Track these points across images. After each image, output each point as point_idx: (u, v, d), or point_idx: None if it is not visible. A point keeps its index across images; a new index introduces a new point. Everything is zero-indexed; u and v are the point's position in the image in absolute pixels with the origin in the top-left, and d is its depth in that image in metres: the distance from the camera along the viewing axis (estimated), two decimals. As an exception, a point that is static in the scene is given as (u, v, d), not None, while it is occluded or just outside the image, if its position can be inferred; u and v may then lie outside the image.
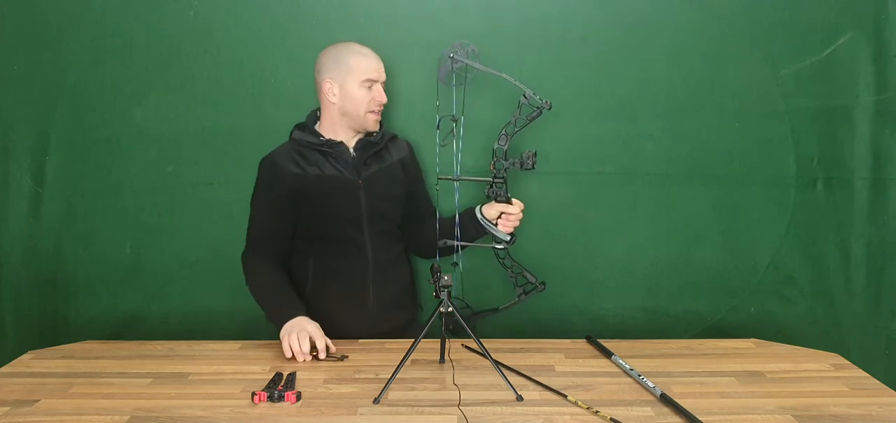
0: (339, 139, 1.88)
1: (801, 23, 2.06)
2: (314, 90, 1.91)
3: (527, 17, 2.06)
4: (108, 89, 2.06)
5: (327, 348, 1.70)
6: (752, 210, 2.13)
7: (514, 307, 1.87)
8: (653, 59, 2.08)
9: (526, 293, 1.81)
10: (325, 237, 1.86)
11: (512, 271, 1.81)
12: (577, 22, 2.06)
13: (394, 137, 1.98)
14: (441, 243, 1.71)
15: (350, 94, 1.84)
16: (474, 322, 1.55)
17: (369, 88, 1.84)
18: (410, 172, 1.98)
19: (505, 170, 1.72)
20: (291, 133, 1.92)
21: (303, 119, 1.95)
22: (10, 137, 2.07)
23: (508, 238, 1.82)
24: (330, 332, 1.82)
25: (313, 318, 1.88)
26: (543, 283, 1.79)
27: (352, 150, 1.89)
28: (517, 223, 1.84)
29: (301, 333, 1.70)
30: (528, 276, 1.79)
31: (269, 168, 1.87)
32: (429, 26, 2.04)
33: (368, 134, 1.91)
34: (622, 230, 2.14)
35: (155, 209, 2.10)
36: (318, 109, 1.93)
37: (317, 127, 1.92)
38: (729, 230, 2.14)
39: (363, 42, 1.90)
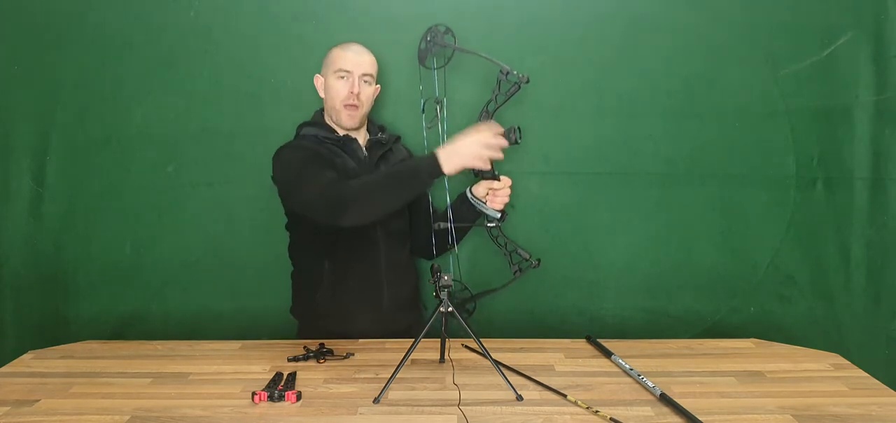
0: (352, 135, 1.89)
1: (801, 23, 2.06)
2: (314, 90, 1.93)
3: (527, 18, 2.06)
4: (108, 89, 2.06)
5: None
6: (752, 210, 2.13)
7: (511, 285, 1.86)
8: (653, 60, 2.08)
9: (521, 271, 1.81)
10: (340, 237, 1.85)
11: (506, 249, 1.81)
12: (578, 22, 2.07)
13: (397, 139, 2.00)
14: (435, 226, 1.72)
15: (329, 85, 1.87)
16: (474, 304, 1.55)
17: (343, 78, 1.84)
18: None
19: None
20: (299, 131, 1.91)
21: (303, 119, 1.95)
22: (10, 137, 2.07)
23: (498, 215, 1.82)
24: (344, 332, 1.82)
25: (324, 320, 1.88)
26: (538, 260, 1.79)
27: (364, 148, 1.90)
28: (506, 199, 1.84)
29: (467, 145, 1.62)
30: (522, 252, 1.79)
31: (296, 147, 1.83)
32: (429, 27, 2.03)
33: (378, 133, 1.91)
34: (622, 230, 2.14)
35: (155, 209, 2.10)
36: (321, 110, 1.94)
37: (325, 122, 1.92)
38: (729, 230, 2.14)
39: (362, 42, 1.90)
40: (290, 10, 2.04)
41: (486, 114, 1.72)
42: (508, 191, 1.84)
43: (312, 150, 1.83)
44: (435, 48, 1.69)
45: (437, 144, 1.71)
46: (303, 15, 2.04)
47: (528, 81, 1.68)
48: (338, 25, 2.03)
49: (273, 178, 1.85)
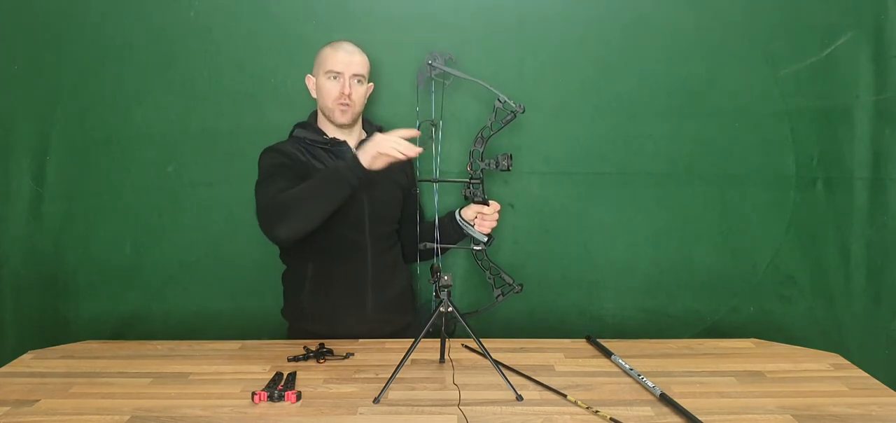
0: (341, 139, 1.89)
1: (801, 23, 2.07)
2: (314, 90, 1.94)
3: (527, 18, 2.06)
4: (108, 89, 2.06)
5: None
6: (752, 210, 2.13)
7: (492, 309, 1.88)
8: (653, 60, 2.08)
9: (503, 295, 1.84)
10: (325, 240, 1.85)
11: (490, 273, 1.84)
12: (578, 22, 2.07)
13: None
14: (422, 245, 1.74)
15: (320, 86, 1.87)
16: (453, 326, 1.58)
17: (335, 78, 1.84)
18: (407, 175, 1.99)
19: (481, 171, 1.76)
20: (292, 131, 1.92)
21: (302, 119, 1.95)
22: (10, 137, 2.07)
23: (485, 239, 1.85)
24: (330, 333, 1.82)
25: (311, 322, 1.88)
26: (520, 285, 1.82)
27: (354, 150, 1.89)
28: (494, 224, 1.87)
29: (385, 141, 1.65)
30: (505, 277, 1.82)
31: (276, 152, 1.85)
32: (429, 27, 2.04)
33: (375, 133, 1.92)
34: (622, 230, 2.14)
35: (155, 209, 2.10)
36: (316, 111, 1.94)
37: (318, 126, 1.92)
38: (729, 230, 2.14)
39: (362, 42, 1.90)
40: (289, 10, 2.04)
41: (481, 140, 1.76)
42: (497, 216, 1.87)
43: (287, 159, 1.82)
44: (435, 73, 1.72)
45: (431, 165, 1.72)
46: (302, 15, 2.04)
47: (523, 111, 1.71)
48: (338, 25, 2.03)
49: None
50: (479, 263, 1.85)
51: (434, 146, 1.71)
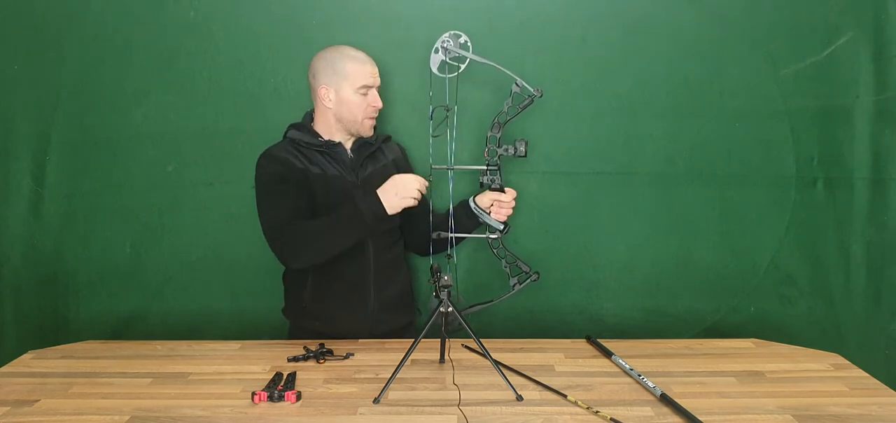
0: (336, 140, 1.88)
1: (801, 23, 2.06)
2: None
3: (527, 18, 2.06)
4: (108, 89, 2.06)
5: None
6: (752, 210, 2.13)
7: (510, 298, 1.86)
8: (653, 60, 2.08)
9: (520, 284, 1.81)
10: None
11: (506, 262, 1.82)
12: (578, 22, 2.07)
13: (387, 139, 1.99)
14: (435, 234, 1.72)
15: (346, 100, 1.85)
16: (468, 315, 1.56)
17: (365, 94, 1.85)
18: (403, 172, 1.98)
19: (498, 157, 1.74)
20: (286, 132, 1.91)
21: (302, 119, 1.95)
22: (10, 137, 2.07)
23: (501, 227, 1.83)
24: (332, 332, 1.83)
25: (313, 320, 1.88)
26: (537, 272, 1.79)
27: (349, 151, 1.90)
28: (510, 211, 1.85)
29: (406, 184, 1.73)
30: (522, 265, 1.80)
31: (273, 161, 1.84)
32: (428, 27, 2.02)
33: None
34: (622, 230, 2.14)
35: (155, 209, 2.10)
36: (313, 109, 1.93)
37: (313, 127, 1.92)
38: (729, 230, 2.14)
39: (363, 43, 1.90)
40: (290, 10, 2.04)
41: (498, 126, 1.73)
42: (513, 203, 1.84)
43: (285, 169, 1.82)
44: (449, 56, 1.69)
45: (445, 152, 1.71)
46: (303, 15, 2.04)
47: (541, 95, 1.68)
48: (338, 25, 2.03)
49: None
50: (495, 251, 1.83)
51: (448, 132, 1.69)
